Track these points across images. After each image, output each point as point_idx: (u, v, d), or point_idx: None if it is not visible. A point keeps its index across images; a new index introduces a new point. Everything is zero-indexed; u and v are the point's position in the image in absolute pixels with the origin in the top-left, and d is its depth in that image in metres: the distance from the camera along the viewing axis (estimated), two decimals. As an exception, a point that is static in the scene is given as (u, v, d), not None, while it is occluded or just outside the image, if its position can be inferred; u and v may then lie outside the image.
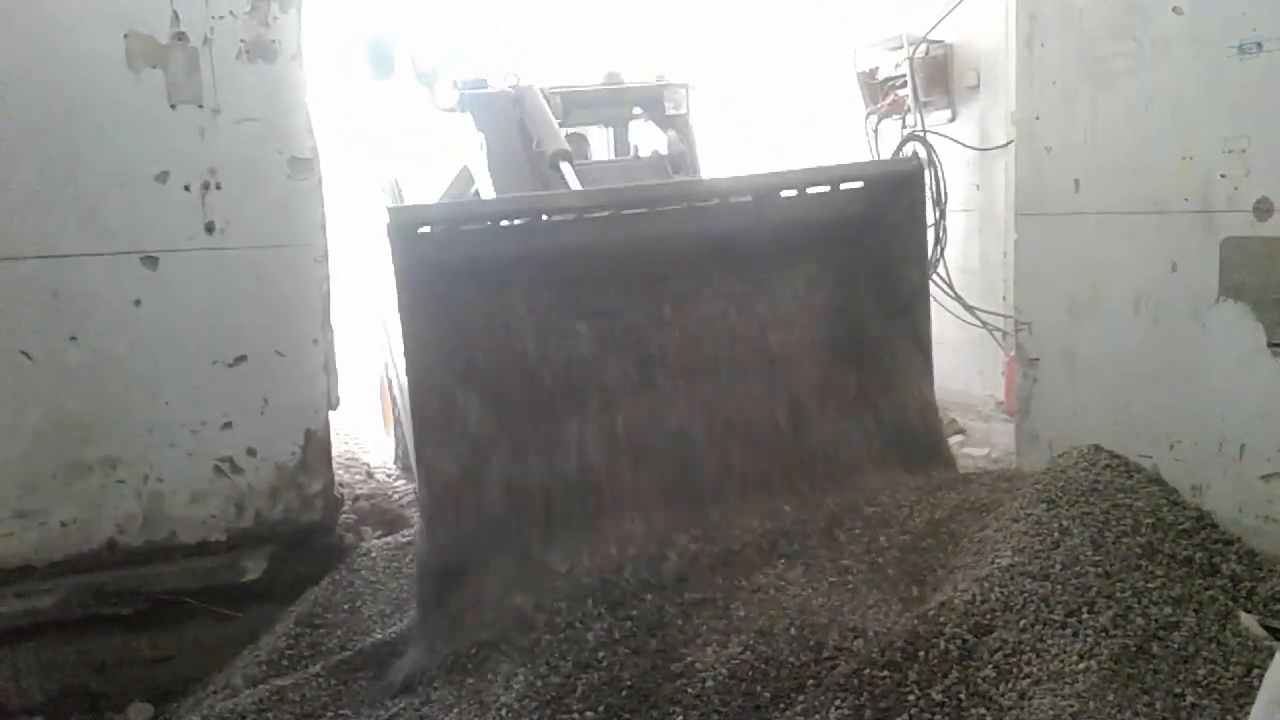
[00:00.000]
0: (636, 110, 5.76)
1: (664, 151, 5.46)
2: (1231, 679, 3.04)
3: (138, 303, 4.13)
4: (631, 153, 5.83)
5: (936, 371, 4.69)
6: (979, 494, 4.19)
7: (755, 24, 8.18)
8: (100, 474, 4.13)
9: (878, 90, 6.70)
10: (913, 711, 3.02)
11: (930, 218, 5.60)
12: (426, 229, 3.95)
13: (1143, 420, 4.09)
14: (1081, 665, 3.06)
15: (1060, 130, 4.38)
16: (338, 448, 5.33)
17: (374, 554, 4.54)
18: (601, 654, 3.46)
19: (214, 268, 4.23)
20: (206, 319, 4.23)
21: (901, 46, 6.35)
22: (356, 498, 5.44)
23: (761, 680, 3.27)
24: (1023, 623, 3.25)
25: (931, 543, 3.91)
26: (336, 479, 4.74)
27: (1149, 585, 3.36)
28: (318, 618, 4.10)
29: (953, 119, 6.37)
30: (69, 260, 4.03)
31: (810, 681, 3.24)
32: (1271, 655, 2.97)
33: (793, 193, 4.43)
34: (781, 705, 3.17)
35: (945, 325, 6.05)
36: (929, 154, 6.12)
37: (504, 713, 3.28)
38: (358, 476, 6.08)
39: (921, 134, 6.23)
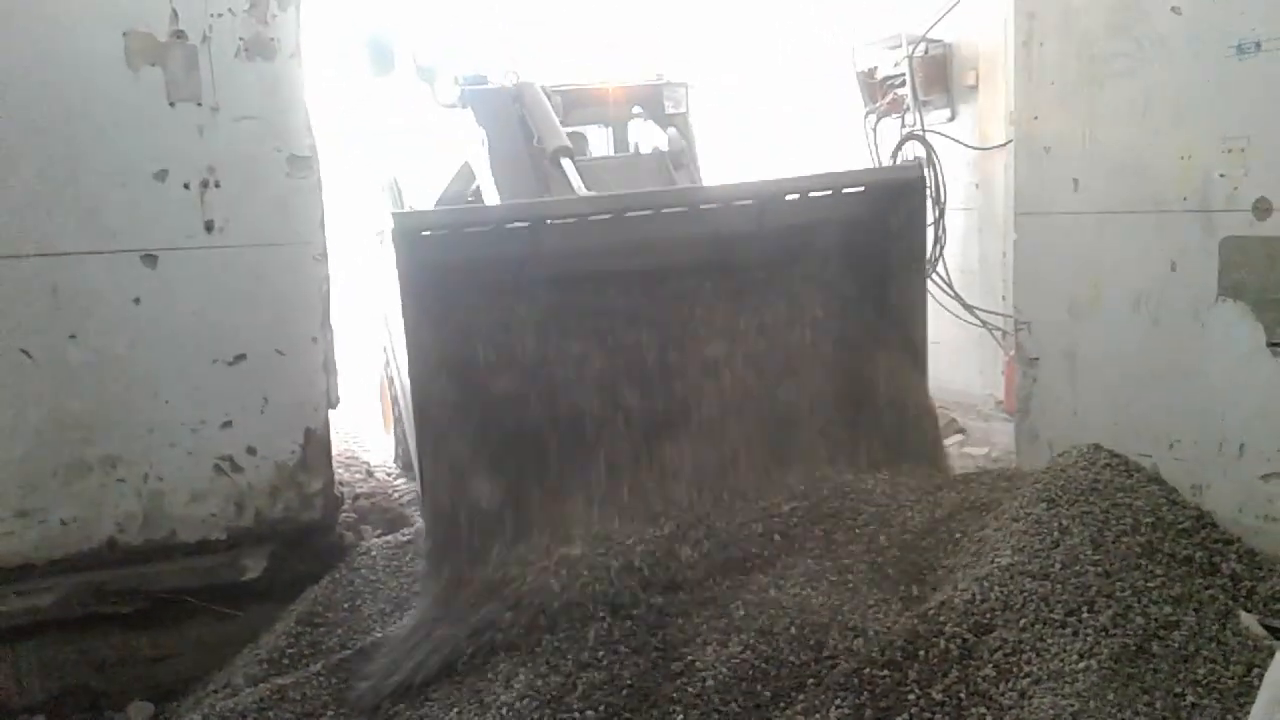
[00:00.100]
0: (636, 109, 5.75)
1: (664, 148, 5.46)
2: (1231, 678, 3.04)
3: (137, 301, 4.13)
4: (632, 149, 5.84)
5: (936, 371, 4.72)
6: (979, 493, 4.20)
7: (754, 23, 8.17)
8: (100, 473, 4.13)
9: (877, 89, 6.69)
10: (913, 711, 3.02)
11: (929, 217, 5.60)
12: (430, 233, 3.96)
13: (1142, 419, 4.10)
14: (1081, 664, 3.06)
15: (1059, 130, 4.38)
16: (338, 446, 5.32)
17: (374, 552, 4.54)
18: (601, 653, 3.46)
19: (213, 266, 4.23)
20: (206, 317, 4.23)
21: (900, 45, 6.34)
22: (356, 496, 5.44)
23: (762, 679, 3.28)
24: (1023, 622, 3.26)
25: (931, 542, 3.92)
26: (336, 477, 4.74)
27: (1149, 584, 3.37)
28: (318, 616, 4.10)
29: (952, 118, 6.37)
30: (69, 259, 4.03)
31: (811, 681, 3.24)
32: (1271, 654, 2.97)
33: (795, 197, 4.44)
34: (782, 704, 3.18)
35: (945, 325, 6.06)
36: (928, 153, 6.13)
37: (504, 711, 3.28)
38: (358, 475, 6.08)
39: (921, 133, 6.23)
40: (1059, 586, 3.36)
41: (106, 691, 4.10)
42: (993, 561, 3.53)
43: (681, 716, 3.19)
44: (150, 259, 4.14)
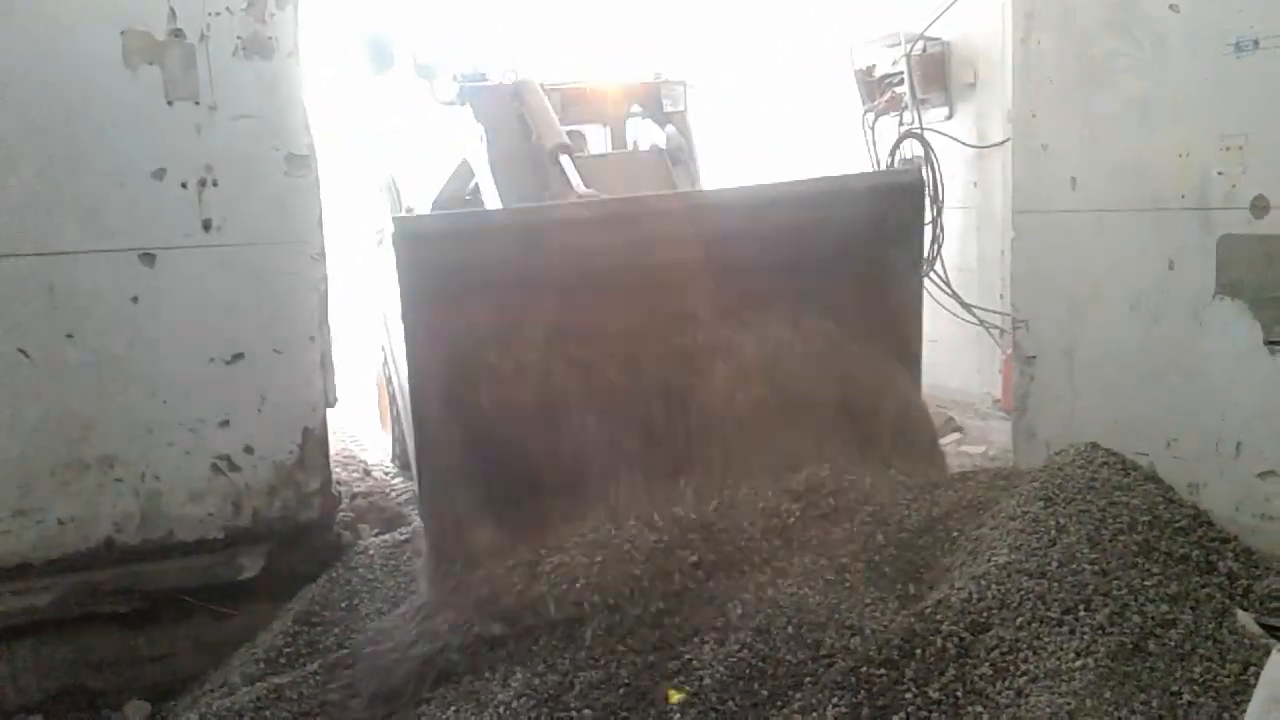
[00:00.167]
0: (634, 108, 5.75)
1: (663, 145, 5.46)
2: (1228, 677, 3.04)
3: (135, 300, 4.12)
4: (630, 148, 5.84)
5: (934, 369, 4.73)
6: (976, 492, 4.20)
7: (754, 22, 8.17)
8: (98, 472, 4.12)
9: (875, 88, 6.69)
10: (910, 709, 3.02)
11: (927, 215, 5.60)
12: (430, 238, 3.97)
13: (1140, 418, 4.10)
14: (1078, 663, 3.06)
15: (1057, 128, 4.38)
16: (335, 445, 5.32)
17: (371, 552, 4.54)
18: (599, 652, 3.46)
19: (211, 265, 4.22)
20: (204, 316, 4.23)
21: (899, 44, 6.34)
22: (354, 495, 5.44)
23: (759, 678, 3.28)
24: (1019, 620, 3.26)
25: (928, 540, 3.92)
26: (334, 477, 4.74)
27: (1145, 583, 3.37)
28: (315, 615, 4.10)
29: (950, 116, 6.37)
30: (66, 258, 4.03)
31: (808, 679, 3.24)
32: (1268, 653, 2.97)
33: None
34: (779, 703, 3.18)
35: (943, 323, 6.06)
36: (926, 151, 6.13)
37: (501, 710, 3.29)
38: (355, 474, 6.08)
39: (919, 132, 6.23)
40: (1056, 585, 3.36)
41: (104, 691, 4.09)
42: (990, 560, 3.53)
43: (678, 715, 3.19)
44: (148, 258, 4.13)
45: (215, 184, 4.20)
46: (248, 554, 4.34)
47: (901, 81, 6.40)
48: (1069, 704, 2.91)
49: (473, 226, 4.29)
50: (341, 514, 4.82)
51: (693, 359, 4.48)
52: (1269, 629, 3.24)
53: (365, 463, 6.40)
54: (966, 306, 6.10)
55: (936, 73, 6.35)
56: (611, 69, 5.86)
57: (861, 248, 4.60)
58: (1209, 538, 3.68)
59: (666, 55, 6.16)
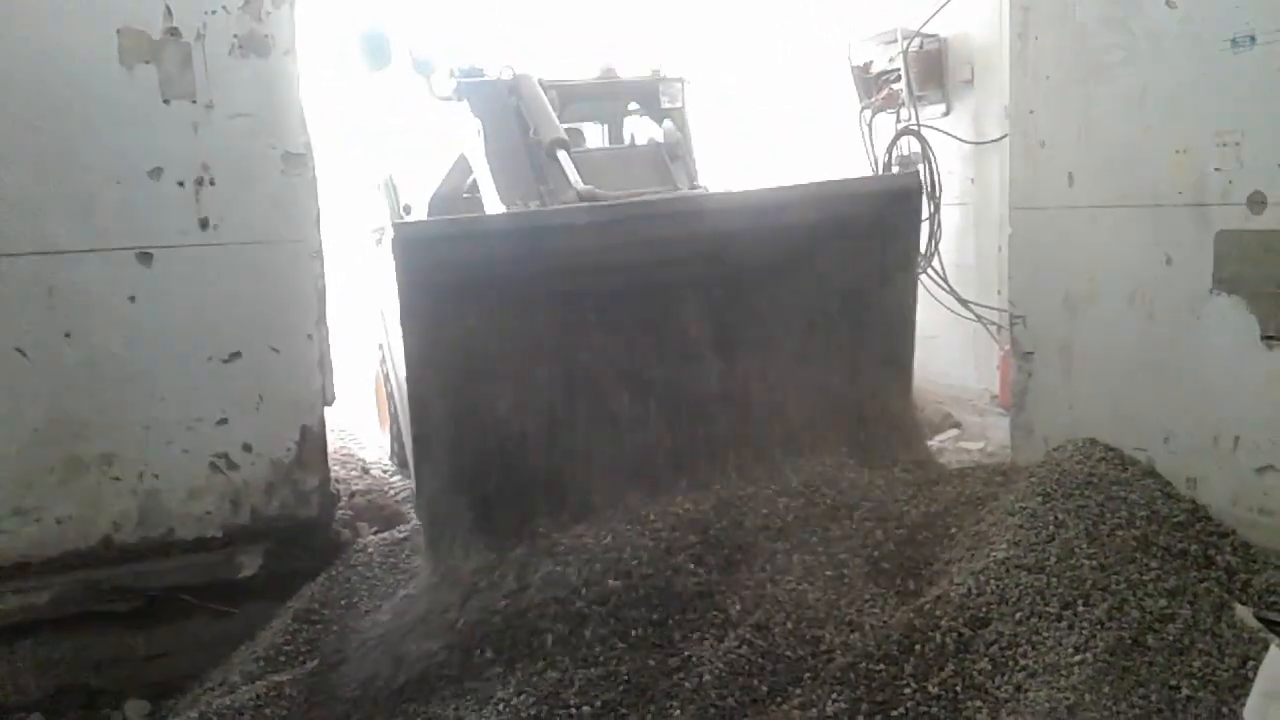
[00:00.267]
0: (632, 105, 5.75)
1: (660, 140, 5.45)
2: (1226, 671, 3.05)
3: (133, 299, 4.12)
4: (628, 140, 5.83)
5: (932, 366, 4.74)
6: (974, 488, 4.21)
7: (753, 22, 8.17)
8: (96, 471, 4.12)
9: (872, 84, 6.68)
10: (909, 704, 3.03)
11: (925, 212, 5.60)
12: (430, 242, 3.98)
13: (1138, 413, 4.10)
14: (1077, 658, 3.07)
15: (1054, 124, 4.39)
16: (333, 444, 5.32)
17: (370, 550, 4.54)
18: (598, 649, 3.46)
19: (208, 264, 4.22)
20: (201, 315, 4.23)
21: (895, 40, 6.33)
22: (353, 494, 5.43)
23: (759, 674, 3.29)
24: (1018, 615, 3.26)
25: (927, 536, 3.92)
26: (332, 475, 4.74)
27: (1144, 578, 3.37)
28: (314, 613, 4.10)
29: (947, 113, 6.36)
30: (64, 257, 4.02)
31: (807, 675, 3.25)
32: (1266, 647, 2.98)
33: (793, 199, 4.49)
34: (779, 699, 3.19)
35: (940, 319, 6.06)
36: (923, 148, 6.12)
37: (501, 708, 3.29)
38: (354, 472, 6.07)
39: (916, 128, 6.23)
40: (1054, 580, 3.37)
41: (103, 689, 4.09)
42: (988, 555, 3.54)
43: (679, 712, 3.20)
44: (145, 257, 4.13)
45: (212, 183, 4.20)
46: (246, 552, 4.34)
47: (898, 78, 6.39)
48: (1068, 699, 2.92)
49: (471, 231, 4.29)
50: (340, 512, 4.82)
51: (691, 360, 4.49)
52: (1267, 623, 3.25)
53: (364, 461, 6.40)
54: (964, 303, 6.09)
55: (933, 69, 6.34)
56: (609, 66, 5.83)
57: (859, 244, 4.60)
58: (1207, 532, 3.69)
59: (666, 55, 6.14)
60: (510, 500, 4.21)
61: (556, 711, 3.25)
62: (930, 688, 3.07)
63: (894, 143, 6.35)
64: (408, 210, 5.94)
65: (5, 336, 3.97)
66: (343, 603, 4.17)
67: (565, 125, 5.21)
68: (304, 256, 4.38)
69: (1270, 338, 3.60)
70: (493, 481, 4.20)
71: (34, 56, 3.93)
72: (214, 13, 4.14)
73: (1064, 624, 3.21)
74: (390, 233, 4.02)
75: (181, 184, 4.16)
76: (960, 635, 3.23)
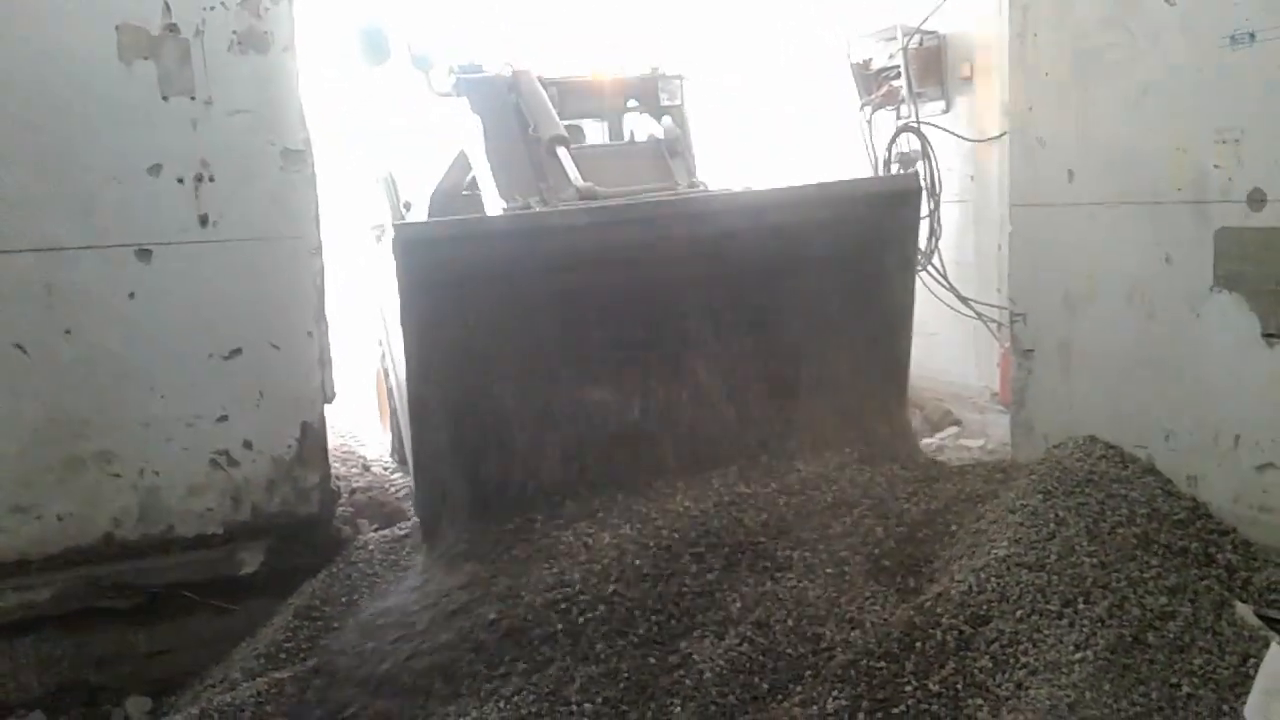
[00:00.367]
0: (631, 102, 5.74)
1: (660, 137, 5.45)
2: (1227, 669, 3.06)
3: (132, 296, 4.11)
4: (628, 137, 5.83)
5: (932, 363, 4.75)
6: (974, 485, 4.22)
7: (753, 21, 8.17)
8: (96, 468, 4.12)
9: (871, 81, 6.68)
10: (910, 702, 3.03)
11: (924, 209, 5.61)
12: (430, 243, 3.98)
13: (1138, 411, 4.10)
14: (1078, 655, 3.07)
15: (1053, 121, 4.39)
16: (334, 441, 5.32)
17: (371, 547, 4.53)
18: (599, 646, 3.47)
19: (208, 261, 4.21)
20: (201, 312, 4.22)
21: (895, 37, 6.33)
22: (353, 490, 5.43)
23: (759, 671, 3.29)
24: (1019, 613, 3.27)
25: (928, 534, 3.93)
26: (333, 472, 4.73)
27: (1144, 575, 3.38)
28: (315, 610, 4.10)
29: (946, 110, 6.36)
30: (63, 254, 4.01)
31: (808, 672, 3.25)
32: (1267, 645, 2.99)
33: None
34: (779, 696, 3.19)
35: (940, 317, 6.06)
36: (923, 145, 6.13)
37: (502, 705, 3.29)
38: (354, 469, 6.08)
39: (915, 125, 6.23)
40: (1055, 578, 3.37)
41: (104, 686, 4.09)
42: (989, 553, 3.54)
43: (679, 709, 3.20)
44: (144, 254, 4.12)
45: (211, 179, 4.19)
46: (247, 549, 4.33)
47: (898, 75, 6.39)
48: (1068, 696, 2.93)
49: (471, 231, 4.29)
50: (341, 509, 4.82)
51: (690, 360, 4.50)
52: (1268, 621, 3.26)
53: (364, 458, 6.40)
54: (964, 300, 6.10)
55: (933, 66, 6.34)
56: (609, 64, 5.83)
57: (857, 244, 4.61)
58: (1208, 530, 3.69)
59: (669, 56, 6.13)
60: (509, 498, 4.22)
61: (558, 709, 3.25)
62: (931, 685, 3.08)
63: (894, 140, 6.36)
64: (408, 207, 5.93)
65: (5, 334, 3.96)
66: (343, 600, 4.17)
67: (565, 122, 5.21)
68: (303, 253, 4.37)
69: (1270, 335, 3.61)
70: (492, 479, 4.21)
71: (32, 53, 3.91)
72: (213, 9, 4.13)
73: (1064, 621, 3.21)
74: (390, 231, 4.02)
75: (181, 181, 4.15)
76: (961, 633, 3.23)
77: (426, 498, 4.24)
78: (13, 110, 3.91)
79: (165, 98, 4.11)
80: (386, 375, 5.97)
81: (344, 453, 6.34)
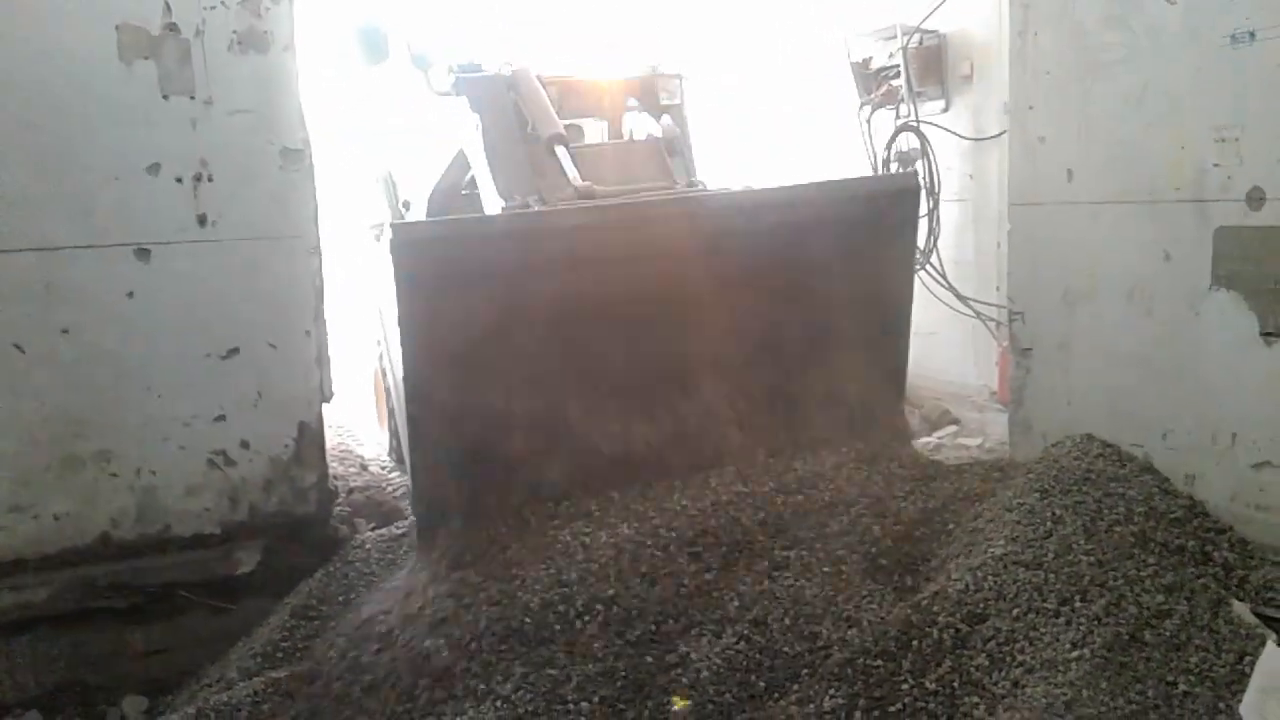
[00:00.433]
0: (631, 101, 5.74)
1: (659, 136, 5.45)
2: (1223, 667, 3.05)
3: (130, 295, 4.11)
4: (627, 136, 5.83)
5: (931, 362, 4.75)
6: (972, 484, 4.22)
7: (753, 20, 8.17)
8: (93, 467, 4.12)
9: (871, 80, 6.67)
10: (906, 700, 3.03)
11: (923, 207, 5.60)
12: (429, 244, 3.98)
13: (1136, 409, 4.10)
14: (1074, 653, 3.07)
15: (1053, 120, 4.38)
16: (331, 440, 5.32)
17: (368, 546, 4.53)
18: (597, 645, 3.46)
19: (206, 260, 4.21)
20: (199, 311, 4.22)
21: (895, 36, 6.33)
22: (350, 490, 5.43)
23: (756, 670, 3.29)
24: (1016, 611, 3.27)
25: (925, 532, 3.93)
26: (330, 471, 4.73)
27: (1141, 574, 3.38)
28: (312, 610, 4.10)
29: (946, 109, 6.36)
30: (61, 253, 4.01)
31: (805, 671, 3.25)
32: (1263, 643, 2.99)
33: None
34: (776, 695, 3.19)
35: (939, 315, 6.06)
36: (922, 144, 6.12)
37: (499, 704, 3.29)
38: (352, 469, 6.06)
39: (915, 124, 6.22)
40: (1052, 576, 3.37)
41: (100, 686, 4.08)
42: (986, 551, 3.54)
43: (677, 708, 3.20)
44: (143, 253, 4.12)
45: (210, 179, 4.19)
46: (244, 548, 4.33)
47: (898, 74, 6.39)
48: (1065, 694, 2.92)
49: (470, 231, 4.28)
50: (338, 508, 4.81)
51: (689, 359, 4.50)
52: (1264, 619, 3.26)
53: (362, 458, 6.39)
54: (963, 299, 6.09)
55: (933, 65, 6.33)
56: (608, 63, 5.83)
57: (856, 244, 4.61)
58: (1204, 528, 3.69)
59: (666, 54, 6.13)
60: (507, 498, 4.22)
61: (555, 708, 3.25)
62: (928, 683, 3.08)
63: (893, 139, 6.36)
64: (406, 206, 5.93)
65: (3, 333, 3.96)
66: (340, 599, 4.17)
67: (564, 121, 5.20)
68: (302, 253, 4.37)
69: (1269, 334, 3.61)
70: (490, 479, 4.21)
71: (32, 53, 3.91)
72: (213, 8, 4.13)
73: (1061, 620, 3.21)
74: (388, 232, 4.02)
75: (180, 180, 4.15)
76: (958, 631, 3.23)
77: (423, 497, 4.23)
78: (13, 110, 3.91)
79: (165, 97, 4.11)
80: (384, 374, 5.96)
81: (341, 452, 6.33)
